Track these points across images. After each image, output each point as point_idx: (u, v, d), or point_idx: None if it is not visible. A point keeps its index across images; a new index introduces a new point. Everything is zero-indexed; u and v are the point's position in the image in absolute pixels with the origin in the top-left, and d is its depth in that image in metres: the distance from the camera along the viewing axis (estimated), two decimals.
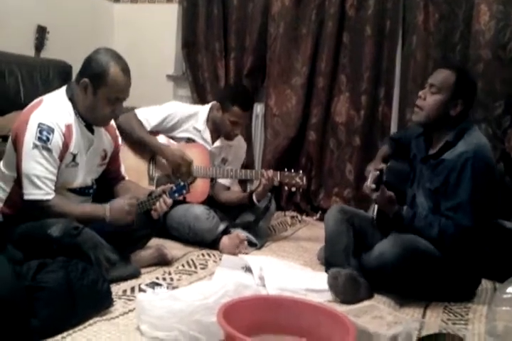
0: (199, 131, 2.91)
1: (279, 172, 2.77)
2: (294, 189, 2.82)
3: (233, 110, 2.82)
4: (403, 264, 2.05)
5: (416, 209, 2.24)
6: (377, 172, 2.17)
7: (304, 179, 2.79)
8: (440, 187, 2.16)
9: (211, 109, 2.93)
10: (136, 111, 2.86)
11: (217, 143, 2.95)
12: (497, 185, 2.25)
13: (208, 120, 2.92)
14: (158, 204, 2.17)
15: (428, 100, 2.21)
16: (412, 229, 2.16)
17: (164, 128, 2.89)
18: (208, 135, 2.93)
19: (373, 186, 2.15)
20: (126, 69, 2.07)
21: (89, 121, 2.13)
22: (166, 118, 2.87)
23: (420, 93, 2.26)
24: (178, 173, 2.82)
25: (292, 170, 2.81)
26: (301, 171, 2.83)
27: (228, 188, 3.07)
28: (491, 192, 2.16)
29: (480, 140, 2.18)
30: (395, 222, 2.22)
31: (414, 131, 2.42)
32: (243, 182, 3.62)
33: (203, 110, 2.95)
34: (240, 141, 3.09)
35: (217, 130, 2.93)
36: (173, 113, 2.88)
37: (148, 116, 2.85)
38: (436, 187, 2.17)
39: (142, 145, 2.82)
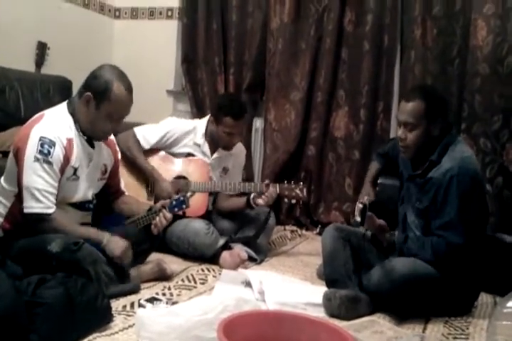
0: (199, 146, 2.92)
1: (278, 185, 2.77)
2: (294, 201, 2.81)
3: (225, 121, 2.82)
4: (402, 291, 2.04)
5: (408, 231, 2.25)
6: (361, 205, 2.17)
7: (304, 190, 2.77)
8: (429, 206, 2.16)
9: (208, 122, 2.95)
10: (135, 129, 2.87)
11: (216, 155, 2.96)
12: (484, 196, 2.25)
13: (206, 133, 2.94)
14: (158, 219, 2.17)
15: (410, 138, 2.17)
16: (406, 252, 2.16)
17: (164, 145, 2.90)
18: (207, 148, 2.94)
19: (358, 219, 2.16)
20: (129, 88, 2.08)
21: (89, 135, 2.14)
22: (164, 136, 2.88)
23: (400, 134, 2.20)
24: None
25: (292, 182, 2.81)
26: (301, 183, 2.83)
27: (231, 196, 3.05)
28: (479, 205, 2.16)
29: (463, 153, 2.16)
30: (389, 249, 2.22)
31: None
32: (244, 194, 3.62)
33: (201, 124, 2.96)
34: (239, 148, 3.09)
35: (215, 142, 2.94)
36: (171, 130, 2.90)
37: (147, 134, 2.86)
38: (426, 206, 2.18)
39: None
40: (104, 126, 2.10)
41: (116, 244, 2.08)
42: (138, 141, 2.84)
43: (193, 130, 2.93)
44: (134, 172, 2.84)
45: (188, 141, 2.92)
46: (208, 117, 2.98)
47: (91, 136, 2.15)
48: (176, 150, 2.92)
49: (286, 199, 2.81)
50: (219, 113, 2.85)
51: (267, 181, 2.82)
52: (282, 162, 3.75)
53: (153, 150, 2.90)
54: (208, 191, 2.88)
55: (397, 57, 3.56)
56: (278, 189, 2.76)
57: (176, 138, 2.90)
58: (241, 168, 3.16)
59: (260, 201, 2.77)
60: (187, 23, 4.10)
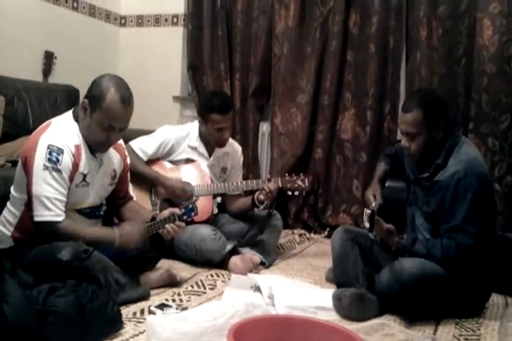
0: (195, 148, 2.92)
1: (279, 179, 2.78)
2: (296, 193, 2.81)
3: (212, 118, 2.80)
4: (412, 292, 2.04)
5: (416, 232, 2.25)
6: (369, 211, 2.18)
7: (306, 181, 2.77)
8: (437, 209, 2.16)
9: (199, 123, 2.94)
10: (131, 143, 2.84)
11: (214, 155, 2.96)
12: (493, 196, 2.24)
13: (200, 135, 2.93)
14: (169, 226, 2.17)
15: (413, 147, 2.19)
16: (415, 254, 2.16)
17: (162, 154, 2.91)
18: (203, 149, 2.93)
19: (367, 225, 2.18)
20: (125, 99, 2.03)
21: (87, 142, 2.12)
22: (160, 146, 2.88)
23: (403, 143, 2.22)
24: (179, 199, 2.81)
25: (293, 175, 2.80)
26: (301, 174, 2.82)
27: (240, 195, 3.05)
28: (488, 206, 2.15)
29: (468, 154, 2.16)
30: (399, 253, 2.21)
31: None
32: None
33: (193, 127, 2.96)
34: (233, 146, 3.07)
35: (209, 142, 2.94)
36: (166, 138, 2.90)
37: (143, 146, 2.86)
38: (434, 209, 2.18)
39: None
40: (97, 136, 2.07)
41: (128, 237, 2.10)
42: (136, 154, 2.83)
43: (187, 135, 2.93)
44: (136, 183, 2.73)
45: (184, 146, 2.92)
46: (198, 119, 2.96)
47: (89, 144, 2.13)
48: (175, 157, 2.92)
49: (289, 192, 2.80)
50: (205, 111, 2.84)
51: (268, 176, 2.81)
52: (290, 166, 3.73)
53: (151, 161, 2.89)
54: (212, 193, 2.89)
55: (403, 59, 3.56)
56: (280, 182, 2.76)
57: (171, 146, 2.90)
58: (240, 166, 3.13)
59: (261, 197, 2.78)
60: (192, 30, 4.12)
